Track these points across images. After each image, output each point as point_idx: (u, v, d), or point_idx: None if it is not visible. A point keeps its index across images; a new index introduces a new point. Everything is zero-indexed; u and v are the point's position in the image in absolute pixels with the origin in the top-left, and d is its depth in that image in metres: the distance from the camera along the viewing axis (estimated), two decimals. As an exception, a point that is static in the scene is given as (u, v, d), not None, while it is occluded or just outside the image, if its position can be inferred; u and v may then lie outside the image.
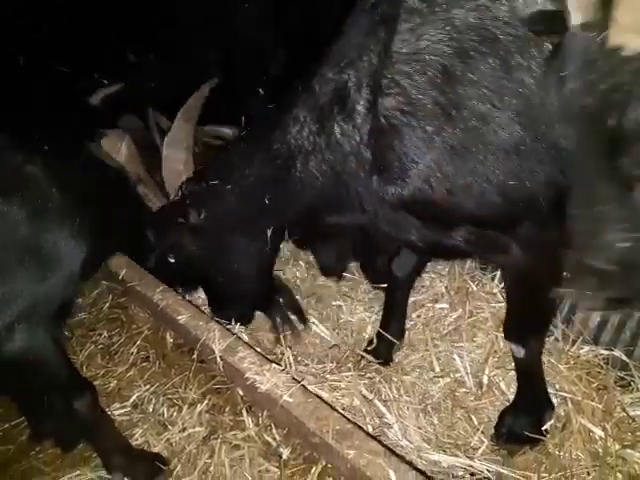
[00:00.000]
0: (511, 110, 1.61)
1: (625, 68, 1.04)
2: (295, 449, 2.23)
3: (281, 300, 2.73)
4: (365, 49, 1.81)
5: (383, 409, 2.35)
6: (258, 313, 2.84)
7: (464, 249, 1.92)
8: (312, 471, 2.10)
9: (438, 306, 2.91)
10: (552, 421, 2.21)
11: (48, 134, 2.17)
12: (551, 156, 1.61)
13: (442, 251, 2.16)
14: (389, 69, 1.73)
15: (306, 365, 2.63)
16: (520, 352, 2.09)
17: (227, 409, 2.49)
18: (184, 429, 2.44)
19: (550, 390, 2.29)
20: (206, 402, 2.54)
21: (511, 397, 2.33)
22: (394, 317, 2.72)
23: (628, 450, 2.04)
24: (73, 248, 2.00)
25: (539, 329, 2.11)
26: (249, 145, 2.25)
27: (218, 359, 2.30)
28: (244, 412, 2.41)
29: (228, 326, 2.67)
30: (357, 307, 3.05)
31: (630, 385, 2.34)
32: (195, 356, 2.68)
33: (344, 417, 1.98)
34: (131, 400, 2.62)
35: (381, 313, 2.91)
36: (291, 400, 2.04)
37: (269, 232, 2.31)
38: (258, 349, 2.43)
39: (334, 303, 3.07)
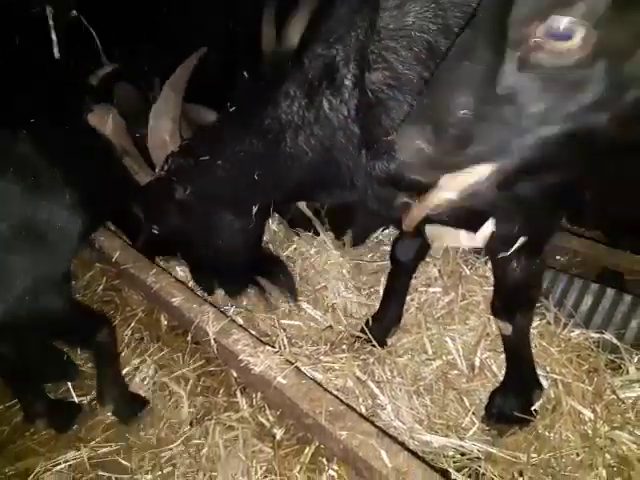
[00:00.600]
0: None
1: None
2: (289, 430, 2.25)
3: (280, 275, 2.70)
4: (353, 25, 1.81)
5: (376, 390, 2.37)
6: (251, 291, 2.81)
7: (451, 225, 1.92)
8: (305, 452, 2.13)
9: (431, 290, 2.92)
10: (541, 402, 2.23)
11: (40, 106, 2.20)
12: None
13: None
14: (376, 44, 1.72)
15: (300, 347, 2.64)
16: (508, 329, 2.12)
17: (221, 391, 2.52)
18: (178, 410, 2.45)
19: (541, 372, 2.32)
20: (200, 383, 2.56)
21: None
22: (393, 301, 2.72)
23: (617, 431, 2.07)
24: (69, 217, 2.10)
25: (526, 305, 2.12)
26: (238, 120, 2.22)
27: (212, 341, 2.29)
28: (238, 393, 2.43)
29: (223, 308, 2.66)
30: (350, 289, 3.05)
31: (620, 368, 2.37)
32: (189, 338, 2.69)
33: (337, 398, 1.99)
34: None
35: (374, 296, 2.93)
36: (285, 382, 2.05)
37: (254, 209, 2.29)
38: (252, 331, 2.44)
39: (321, 284, 3.05)
